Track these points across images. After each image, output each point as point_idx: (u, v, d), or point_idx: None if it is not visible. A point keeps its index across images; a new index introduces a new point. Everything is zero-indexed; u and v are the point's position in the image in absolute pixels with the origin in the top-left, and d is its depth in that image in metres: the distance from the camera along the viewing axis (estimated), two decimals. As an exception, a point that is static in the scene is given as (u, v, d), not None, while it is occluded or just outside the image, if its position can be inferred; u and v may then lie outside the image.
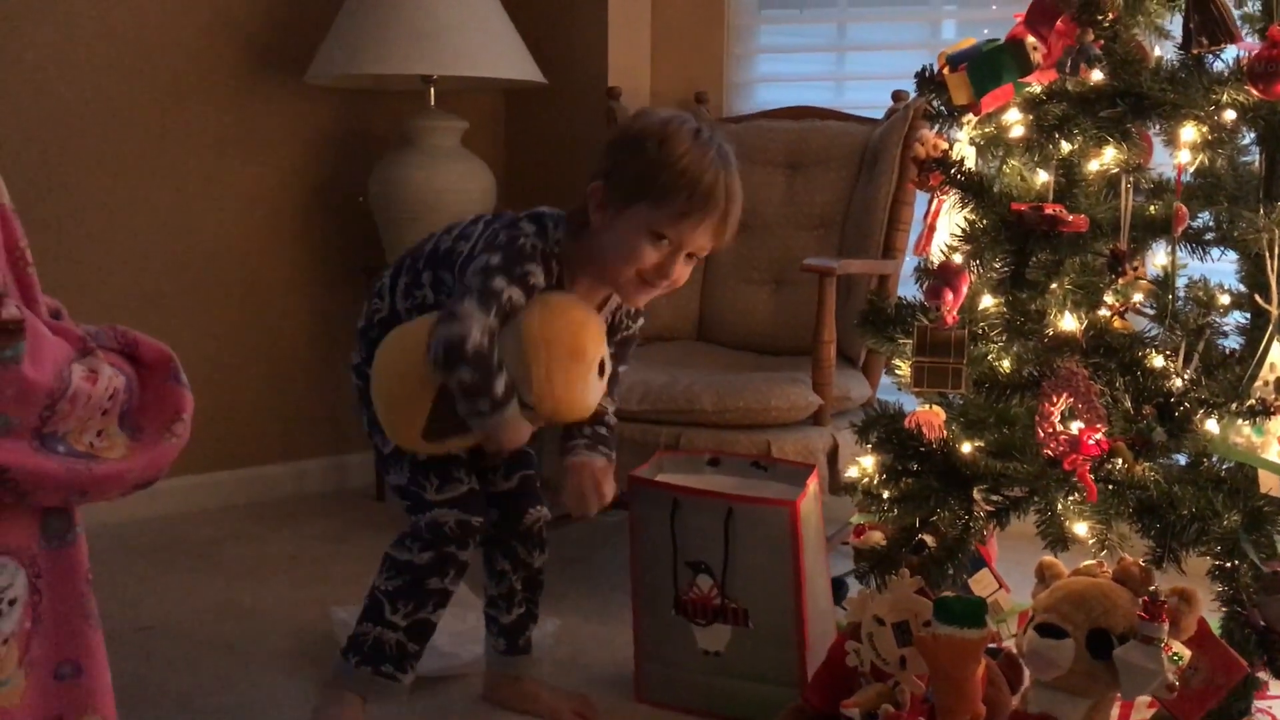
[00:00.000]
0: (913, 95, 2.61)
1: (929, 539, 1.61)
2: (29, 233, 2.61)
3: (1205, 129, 1.56)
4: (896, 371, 1.76)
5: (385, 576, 1.77)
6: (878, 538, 1.69)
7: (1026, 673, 1.68)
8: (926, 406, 1.76)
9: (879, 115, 2.80)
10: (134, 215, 2.89)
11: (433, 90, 2.98)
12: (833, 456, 2.30)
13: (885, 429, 1.67)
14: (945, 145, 1.78)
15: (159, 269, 2.94)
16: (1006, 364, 1.70)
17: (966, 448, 1.67)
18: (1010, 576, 1.91)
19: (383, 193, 2.97)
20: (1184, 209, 1.61)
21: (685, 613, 1.94)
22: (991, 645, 1.71)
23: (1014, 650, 1.75)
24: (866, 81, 3.10)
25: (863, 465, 1.80)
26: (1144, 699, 1.59)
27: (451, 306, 1.62)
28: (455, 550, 1.74)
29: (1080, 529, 1.58)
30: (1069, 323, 1.58)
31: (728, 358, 2.71)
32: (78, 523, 0.94)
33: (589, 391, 1.70)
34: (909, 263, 2.50)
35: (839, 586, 2.20)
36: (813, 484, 1.95)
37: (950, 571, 1.58)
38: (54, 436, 0.86)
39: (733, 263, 2.83)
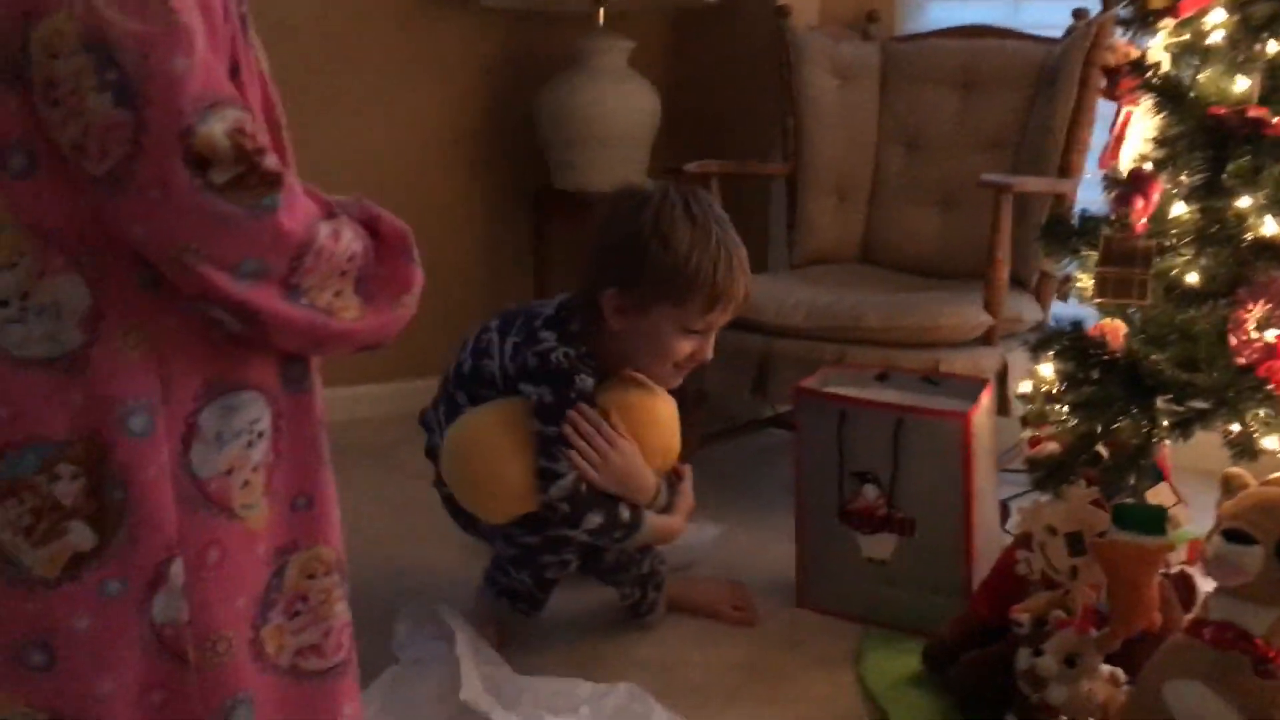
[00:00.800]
0: (1094, 12, 2.54)
1: (1106, 450, 1.59)
2: None
3: None
4: (1077, 284, 1.73)
5: (502, 543, 1.80)
6: (1053, 447, 1.67)
7: (1200, 592, 1.66)
8: (1107, 320, 1.73)
9: (1057, 34, 2.72)
10: (308, 138, 2.97)
11: (601, 11, 3.01)
12: (1002, 377, 2.27)
13: (1066, 339, 1.65)
14: (1137, 52, 1.73)
15: (333, 189, 3.03)
16: (1193, 277, 1.66)
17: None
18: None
19: (550, 115, 3.02)
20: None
21: (850, 521, 1.96)
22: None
23: (1186, 570, 1.73)
24: (1044, 0, 3.01)
25: (1040, 374, 1.79)
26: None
27: (543, 466, 1.66)
28: (567, 530, 1.73)
29: (1269, 442, 1.53)
30: (1270, 227, 1.53)
31: (892, 280, 2.69)
32: (313, 371, 1.01)
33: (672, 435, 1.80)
34: (1086, 187, 2.44)
35: (1005, 511, 2.19)
36: (986, 399, 1.94)
37: (1129, 483, 1.56)
38: (298, 289, 0.92)
39: (900, 184, 2.80)
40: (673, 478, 1.85)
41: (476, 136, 3.25)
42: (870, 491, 1.93)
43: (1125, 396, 1.54)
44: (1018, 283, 2.52)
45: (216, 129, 0.84)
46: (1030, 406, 1.74)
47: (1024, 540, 1.71)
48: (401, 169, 3.14)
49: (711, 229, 1.67)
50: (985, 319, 2.26)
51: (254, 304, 0.89)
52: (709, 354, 1.75)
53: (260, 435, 0.96)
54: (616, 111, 2.98)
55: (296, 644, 1.00)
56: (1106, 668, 1.60)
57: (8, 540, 0.87)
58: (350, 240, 0.96)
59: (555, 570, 1.80)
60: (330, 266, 0.94)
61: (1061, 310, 2.05)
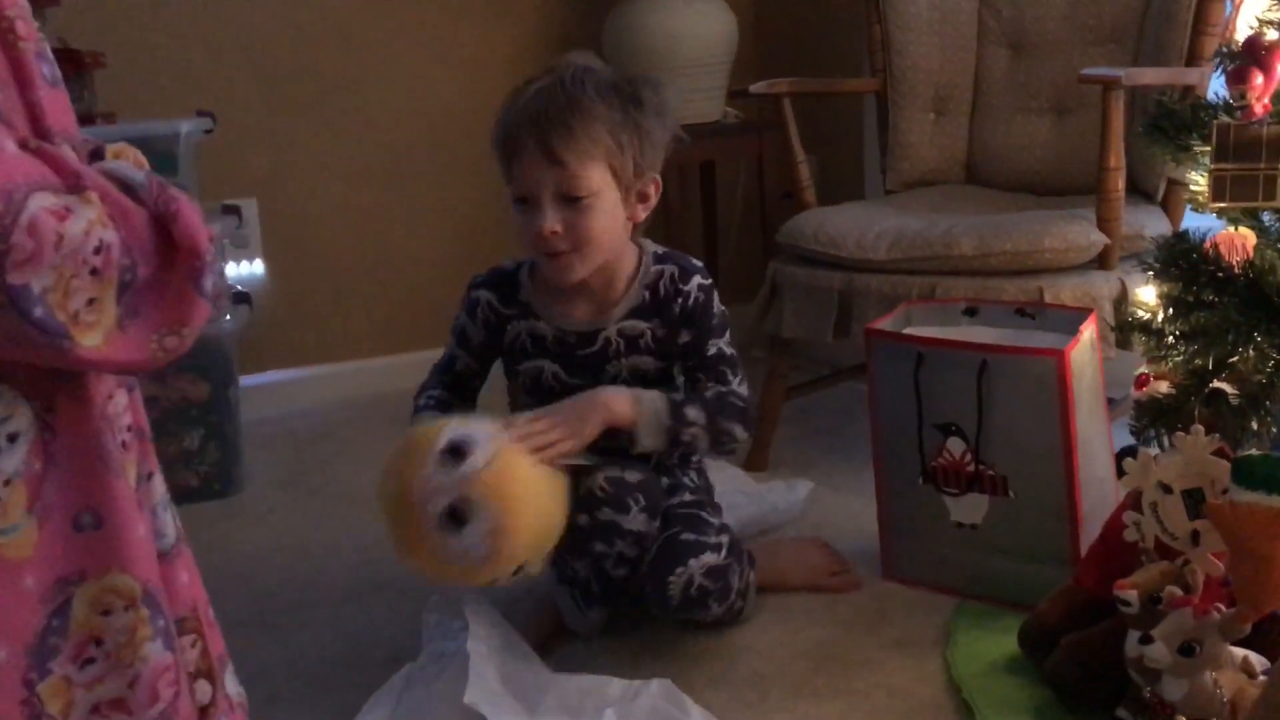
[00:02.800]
0: None
1: (1228, 387, 1.29)
2: (273, 98, 2.55)
3: None
4: (1192, 187, 1.42)
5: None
6: (1164, 387, 1.38)
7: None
8: (1232, 228, 1.41)
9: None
10: (371, 81, 2.85)
11: (667, -72, 2.75)
12: (1121, 305, 1.96)
13: (1172, 253, 1.35)
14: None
15: (397, 134, 2.89)
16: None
17: (1283, 276, 1.32)
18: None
19: (617, 44, 2.78)
20: None
21: (934, 481, 1.70)
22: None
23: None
24: None
25: (1141, 298, 1.49)
26: None
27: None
28: (613, 515, 1.53)
29: None
30: None
31: (1000, 200, 2.37)
32: None
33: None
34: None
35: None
36: (1088, 330, 1.64)
37: (1255, 426, 1.26)
38: (27, 293, 0.69)
39: (1005, 90, 2.47)
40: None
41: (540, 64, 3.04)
42: (955, 446, 1.67)
43: (1246, 321, 1.24)
44: (1142, 194, 2.18)
45: None
46: (1140, 339, 1.43)
47: (1134, 499, 1.43)
48: (468, 110, 2.96)
49: (537, 81, 1.51)
50: (1098, 238, 1.94)
51: None
52: (542, 226, 1.50)
53: (13, 439, 0.75)
54: (688, 36, 2.73)
55: (91, 699, 0.79)
56: (1239, 652, 1.32)
57: None
58: (92, 222, 0.72)
59: (612, 565, 1.58)
60: (68, 257, 0.70)
61: (1198, 223, 1.73)
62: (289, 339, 2.84)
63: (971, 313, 1.82)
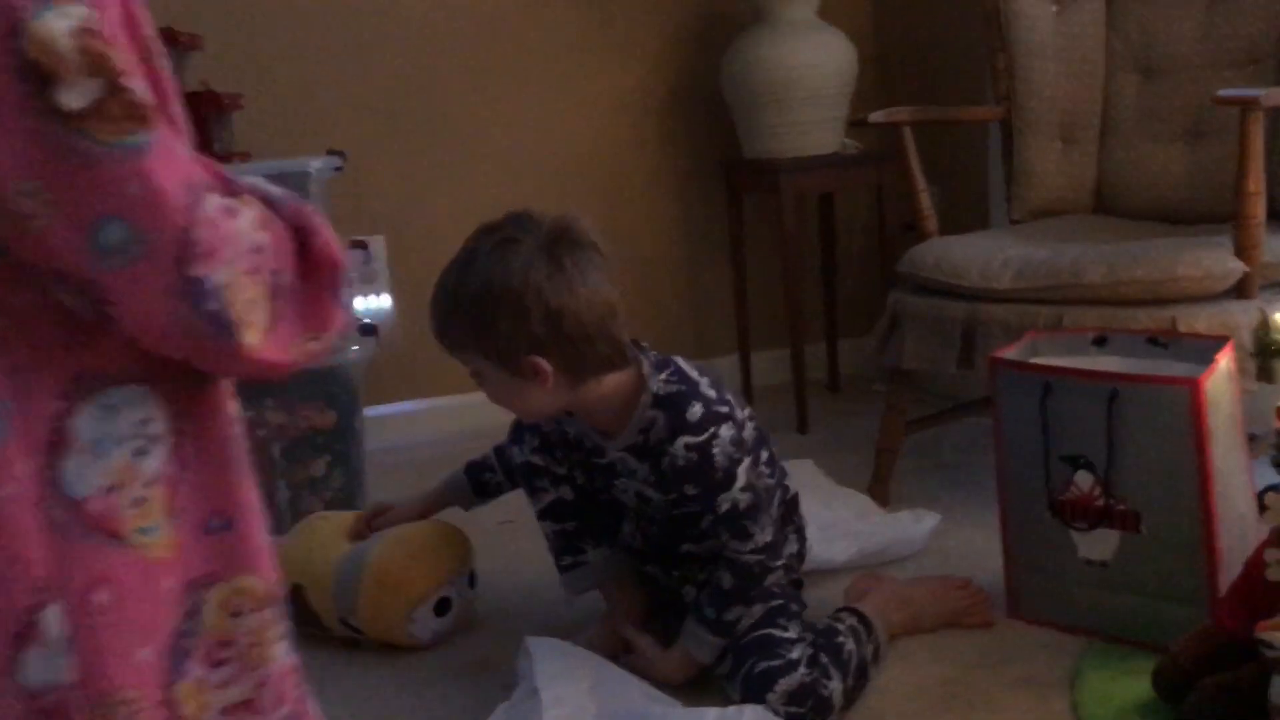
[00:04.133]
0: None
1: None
2: (402, 138, 2.63)
3: None
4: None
5: None
6: (1307, 418, 1.31)
7: None
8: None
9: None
10: (498, 121, 2.92)
11: (787, -41, 2.76)
12: (1262, 335, 1.87)
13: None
14: None
15: (524, 173, 2.95)
16: None
17: None
18: None
19: (735, 78, 2.80)
20: None
21: (1062, 516, 1.64)
22: None
23: None
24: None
25: (1276, 321, 1.42)
26: None
27: None
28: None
29: None
30: None
31: (1131, 229, 2.30)
32: None
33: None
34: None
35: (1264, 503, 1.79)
36: (1225, 360, 1.58)
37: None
38: (204, 285, 0.72)
39: (1136, 118, 2.40)
40: None
41: (664, 111, 3.07)
42: (1083, 479, 1.61)
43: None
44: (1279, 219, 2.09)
45: (57, 26, 0.65)
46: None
47: (1277, 537, 1.36)
48: (592, 149, 3.00)
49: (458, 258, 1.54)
50: (1235, 266, 1.86)
51: (111, 290, 0.70)
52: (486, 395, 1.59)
53: (154, 440, 0.77)
54: (806, 68, 2.73)
55: (222, 701, 0.80)
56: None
57: None
58: (254, 222, 0.75)
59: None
60: (237, 252, 0.73)
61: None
62: (413, 371, 2.90)
63: (1100, 342, 1.76)
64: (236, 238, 0.73)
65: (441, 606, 1.79)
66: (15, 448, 0.72)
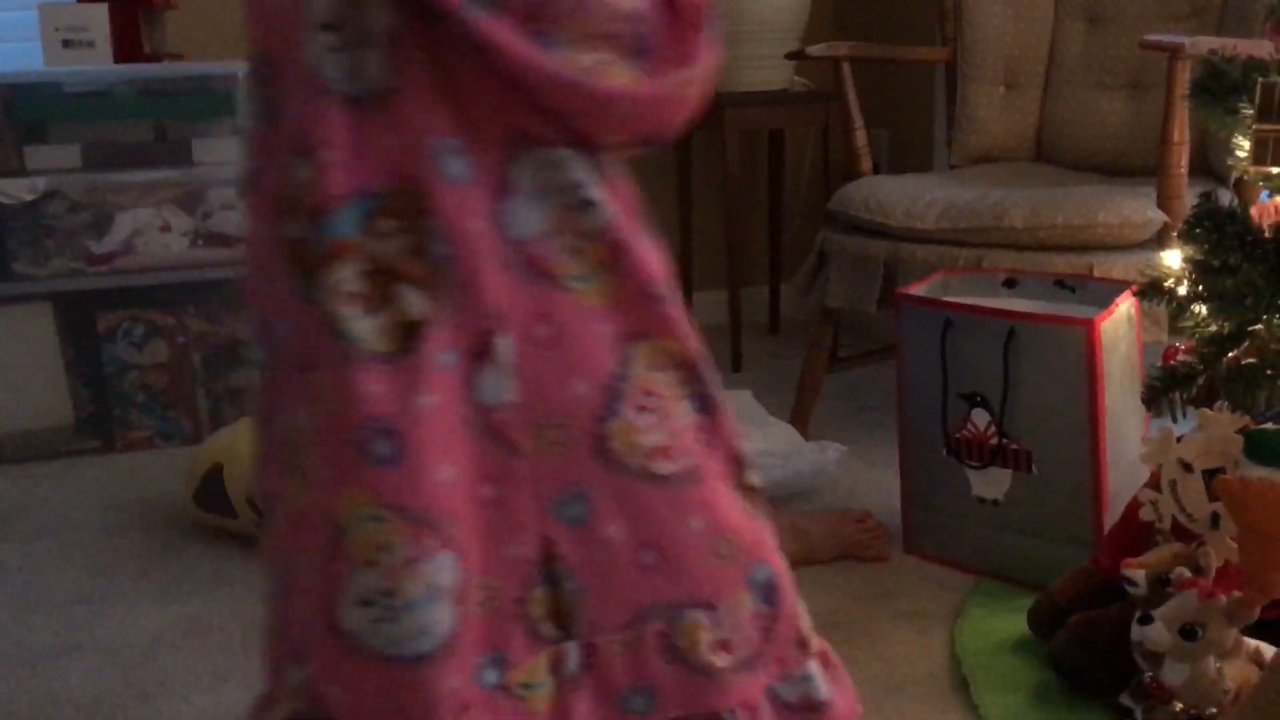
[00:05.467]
0: None
1: (1251, 359, 1.22)
2: None
3: None
4: (1238, 152, 1.34)
5: None
6: (1187, 358, 1.31)
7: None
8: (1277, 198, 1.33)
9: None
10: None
11: (743, -111, 2.70)
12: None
13: (1202, 216, 1.27)
14: None
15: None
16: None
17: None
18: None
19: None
20: None
21: (957, 454, 1.64)
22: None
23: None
24: None
25: (1165, 264, 1.41)
26: None
27: None
28: None
29: None
30: None
31: (1066, 178, 2.28)
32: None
33: None
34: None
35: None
36: (1125, 304, 1.57)
37: (1272, 400, 1.19)
38: (547, 37, 0.77)
39: (1080, 66, 2.37)
40: None
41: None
42: (980, 417, 1.61)
43: (1269, 287, 1.16)
44: (1214, 176, 2.08)
45: None
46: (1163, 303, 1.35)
47: (1153, 479, 1.36)
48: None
49: None
50: (1155, 215, 1.85)
51: (488, 35, 0.75)
52: None
53: (588, 204, 0.82)
54: (757, 0, 2.68)
55: (647, 444, 0.84)
56: (1252, 643, 1.24)
57: (333, 311, 0.75)
58: None
59: None
60: (595, 14, 0.78)
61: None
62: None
63: (1010, 284, 1.75)
64: (601, 5, 0.79)
65: None
66: (474, 189, 0.78)
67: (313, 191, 0.76)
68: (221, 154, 2.27)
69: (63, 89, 2.25)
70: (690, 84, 0.84)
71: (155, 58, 2.33)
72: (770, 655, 0.88)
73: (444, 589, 0.77)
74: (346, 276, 0.75)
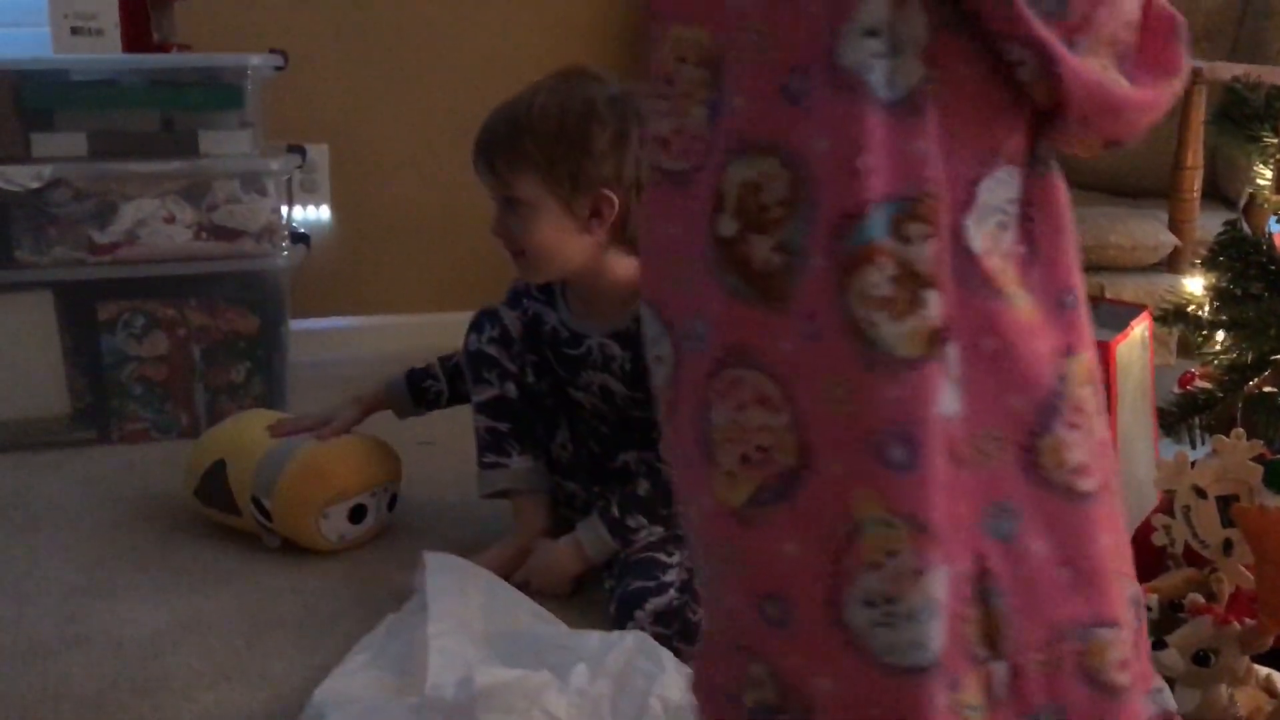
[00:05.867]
0: None
1: (1272, 387, 1.22)
2: (351, 42, 2.31)
3: None
4: (1259, 180, 1.35)
5: None
6: (1205, 385, 1.31)
7: None
8: (1297, 227, 1.34)
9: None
10: (454, 32, 2.83)
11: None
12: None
13: (1224, 244, 1.28)
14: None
15: (477, 89, 2.84)
16: None
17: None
18: None
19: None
20: None
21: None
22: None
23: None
24: None
25: (1187, 290, 1.41)
26: None
27: None
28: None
29: None
30: None
31: (1076, 198, 2.29)
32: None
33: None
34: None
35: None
36: (1140, 327, 1.57)
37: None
38: (1077, 46, 0.78)
39: (1090, 86, 2.38)
40: None
41: (627, 34, 3.01)
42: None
43: (1294, 318, 1.17)
44: (1225, 200, 2.09)
45: None
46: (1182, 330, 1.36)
47: (1166, 503, 1.37)
48: (550, 69, 2.95)
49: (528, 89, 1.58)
50: (1167, 239, 1.87)
51: (1050, 48, 0.75)
52: (499, 227, 1.60)
53: (1011, 220, 0.81)
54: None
55: (1073, 461, 0.82)
56: (1262, 671, 1.25)
57: (863, 315, 0.76)
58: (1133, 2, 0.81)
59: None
60: (1112, 27, 0.79)
61: None
62: (349, 287, 2.86)
63: (1023, 302, 1.75)
64: (1121, 13, 0.79)
65: (357, 513, 1.77)
66: (942, 204, 0.77)
67: (787, 200, 0.78)
68: (228, 146, 2.25)
69: (70, 76, 2.23)
70: (1175, 92, 0.86)
71: (164, 48, 2.31)
72: (1144, 671, 0.88)
73: (939, 604, 0.77)
74: (877, 281, 0.75)
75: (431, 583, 1.50)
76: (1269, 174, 1.29)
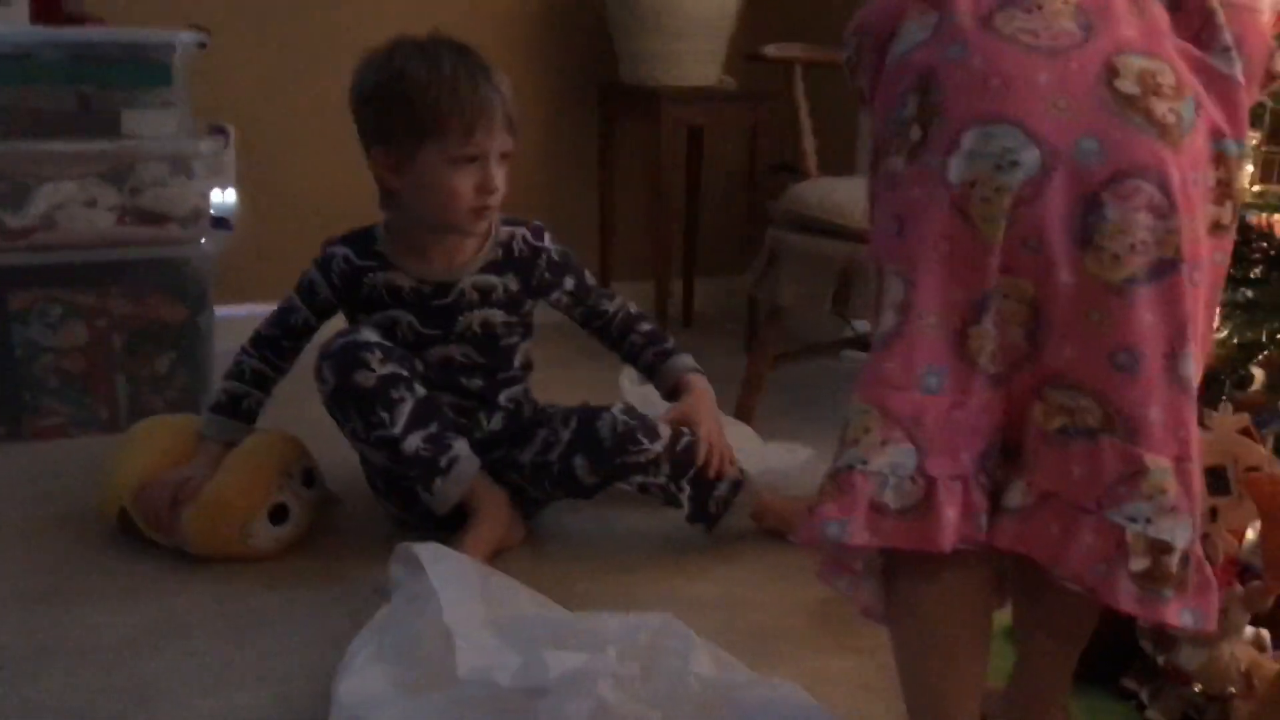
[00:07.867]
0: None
1: (1259, 370, 1.31)
2: (262, 21, 2.23)
3: None
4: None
5: None
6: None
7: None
8: None
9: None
10: (365, 14, 2.77)
11: (678, -116, 2.72)
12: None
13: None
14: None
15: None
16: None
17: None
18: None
19: (620, 1, 2.75)
20: None
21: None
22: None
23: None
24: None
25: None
26: None
27: None
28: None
29: None
30: None
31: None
32: None
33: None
34: None
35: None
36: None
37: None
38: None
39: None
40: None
41: (540, 20, 2.99)
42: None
43: (1290, 300, 1.26)
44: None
45: None
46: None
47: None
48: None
49: (443, 56, 1.65)
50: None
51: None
52: (498, 182, 1.67)
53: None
54: (691, -3, 2.71)
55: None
56: (1250, 629, 1.33)
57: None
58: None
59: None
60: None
61: None
62: (269, 272, 2.75)
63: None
64: None
65: (278, 515, 1.70)
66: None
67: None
68: (153, 127, 2.14)
69: (-24, 49, 2.09)
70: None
71: (75, 19, 2.18)
72: None
73: None
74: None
75: (434, 570, 1.46)
76: (1250, 167, 1.38)
